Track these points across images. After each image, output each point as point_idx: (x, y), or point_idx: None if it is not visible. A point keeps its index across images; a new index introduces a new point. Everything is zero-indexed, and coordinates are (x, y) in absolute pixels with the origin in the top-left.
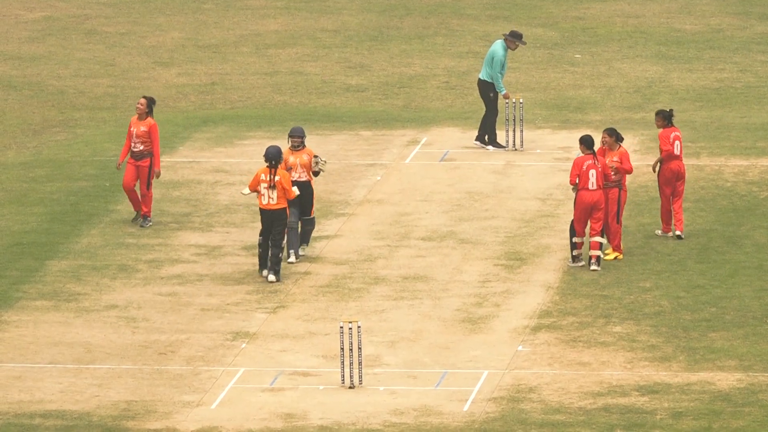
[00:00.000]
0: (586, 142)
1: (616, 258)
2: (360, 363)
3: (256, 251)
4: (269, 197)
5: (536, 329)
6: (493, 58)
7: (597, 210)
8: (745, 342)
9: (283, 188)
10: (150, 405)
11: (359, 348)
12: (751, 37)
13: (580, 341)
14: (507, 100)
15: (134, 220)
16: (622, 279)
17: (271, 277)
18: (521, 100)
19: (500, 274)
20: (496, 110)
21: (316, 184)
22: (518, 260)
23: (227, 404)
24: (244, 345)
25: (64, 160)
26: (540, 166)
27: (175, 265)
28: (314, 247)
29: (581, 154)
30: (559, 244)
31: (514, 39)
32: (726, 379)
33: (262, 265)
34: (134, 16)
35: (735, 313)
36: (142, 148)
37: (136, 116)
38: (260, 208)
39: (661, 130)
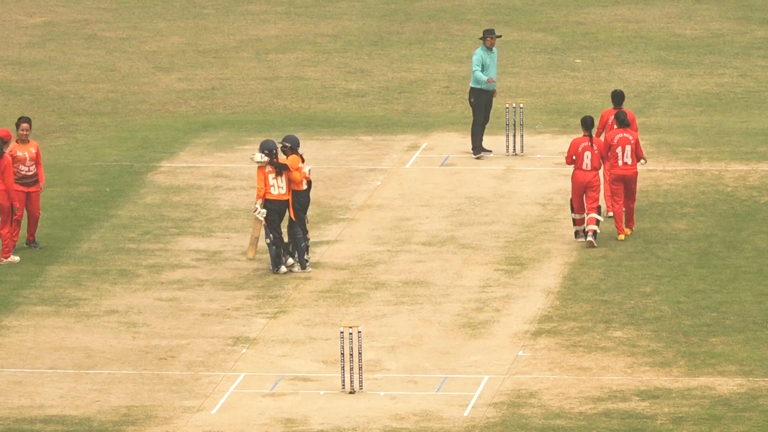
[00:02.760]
0: (585, 123)
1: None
2: (360, 368)
3: (256, 256)
4: (279, 186)
5: (536, 334)
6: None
7: (592, 189)
8: (745, 347)
9: (290, 176)
10: (150, 410)
11: (359, 353)
12: (751, 42)
13: (580, 346)
14: (491, 84)
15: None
16: (623, 284)
17: (290, 261)
18: (521, 105)
19: (500, 279)
20: (481, 115)
21: (316, 188)
22: (518, 265)
23: (228, 409)
24: (244, 350)
25: (64, 165)
26: (540, 171)
27: (176, 270)
28: (315, 252)
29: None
30: (559, 249)
31: (483, 37)
32: (726, 384)
33: (277, 262)
34: (134, 21)
35: (735, 318)
36: (34, 171)
37: (17, 142)
38: (269, 200)
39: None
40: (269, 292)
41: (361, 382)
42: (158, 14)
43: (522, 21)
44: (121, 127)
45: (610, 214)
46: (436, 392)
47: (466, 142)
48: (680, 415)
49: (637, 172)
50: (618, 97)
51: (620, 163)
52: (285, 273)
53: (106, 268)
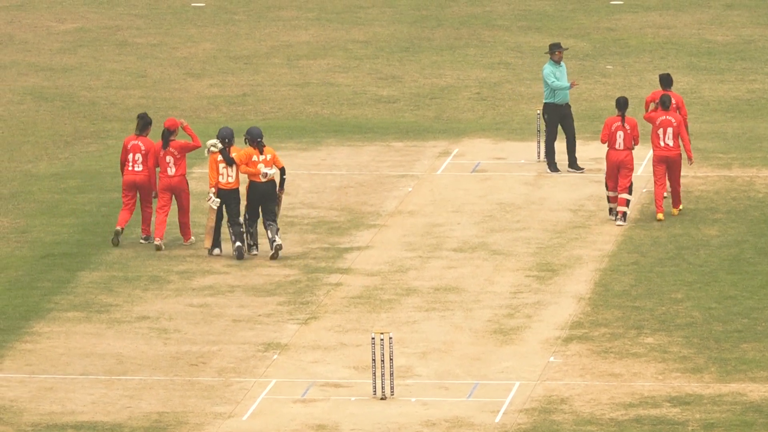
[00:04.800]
0: (619, 103)
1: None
2: (391, 374)
3: (287, 262)
4: (228, 175)
5: (568, 340)
6: (544, 79)
7: (624, 168)
8: None
9: (239, 169)
10: (182, 416)
11: (391, 359)
12: None
13: (611, 352)
14: (575, 87)
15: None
16: (654, 290)
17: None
18: None
19: (532, 285)
20: (553, 131)
21: (348, 195)
22: (550, 271)
23: (259, 415)
24: (275, 356)
25: (95, 172)
26: (571, 177)
27: (207, 276)
28: (346, 258)
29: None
30: (590, 255)
31: (551, 51)
32: (758, 390)
33: (216, 243)
34: (165, 28)
35: (767, 324)
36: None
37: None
38: (219, 189)
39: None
40: (300, 298)
41: (392, 388)
42: (189, 20)
43: (553, 27)
44: (153, 133)
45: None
46: (467, 398)
47: (498, 149)
48: (711, 421)
49: (680, 154)
50: (666, 80)
51: (662, 144)
52: (217, 255)
53: (138, 274)
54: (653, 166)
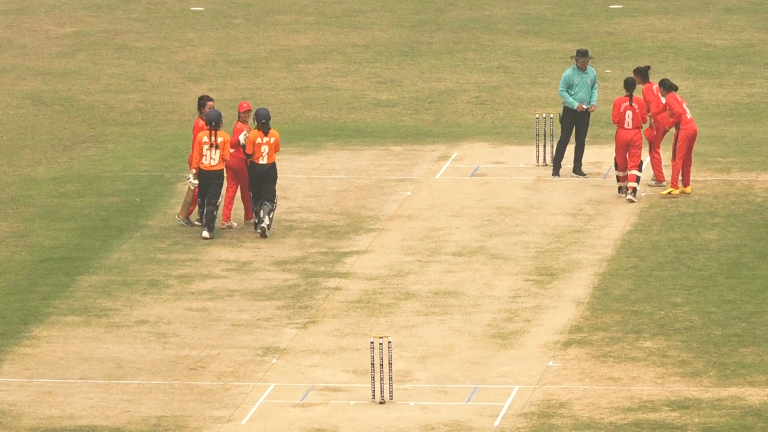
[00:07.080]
0: (627, 84)
1: (669, 193)
2: (390, 378)
3: (286, 266)
4: (211, 158)
5: (567, 344)
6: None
7: (633, 146)
8: None
9: (224, 149)
10: (180, 420)
11: (390, 363)
12: None
13: (610, 356)
14: (586, 110)
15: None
16: (653, 294)
17: (205, 233)
18: (552, 116)
19: (531, 289)
20: (566, 134)
21: (347, 199)
22: (549, 275)
23: (258, 419)
24: (274, 360)
25: (94, 176)
26: (570, 181)
27: (206, 280)
28: (345, 263)
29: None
30: (589, 259)
31: (577, 57)
32: (757, 395)
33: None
34: (164, 32)
35: (766, 328)
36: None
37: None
38: (201, 170)
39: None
40: (299, 302)
41: (391, 392)
42: (188, 24)
43: (552, 31)
44: (152, 137)
45: (663, 183)
46: (466, 402)
47: (497, 153)
48: (711, 425)
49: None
50: (643, 73)
51: (688, 116)
52: (208, 238)
53: (137, 279)
54: (683, 142)
